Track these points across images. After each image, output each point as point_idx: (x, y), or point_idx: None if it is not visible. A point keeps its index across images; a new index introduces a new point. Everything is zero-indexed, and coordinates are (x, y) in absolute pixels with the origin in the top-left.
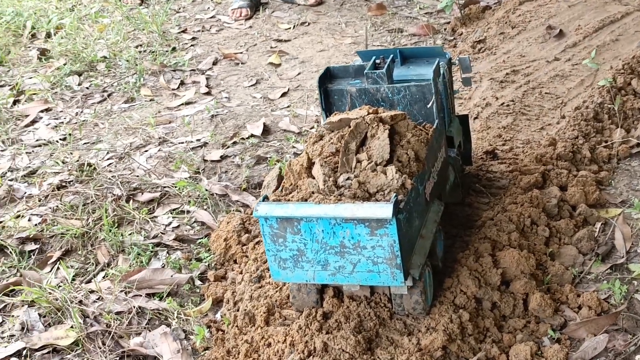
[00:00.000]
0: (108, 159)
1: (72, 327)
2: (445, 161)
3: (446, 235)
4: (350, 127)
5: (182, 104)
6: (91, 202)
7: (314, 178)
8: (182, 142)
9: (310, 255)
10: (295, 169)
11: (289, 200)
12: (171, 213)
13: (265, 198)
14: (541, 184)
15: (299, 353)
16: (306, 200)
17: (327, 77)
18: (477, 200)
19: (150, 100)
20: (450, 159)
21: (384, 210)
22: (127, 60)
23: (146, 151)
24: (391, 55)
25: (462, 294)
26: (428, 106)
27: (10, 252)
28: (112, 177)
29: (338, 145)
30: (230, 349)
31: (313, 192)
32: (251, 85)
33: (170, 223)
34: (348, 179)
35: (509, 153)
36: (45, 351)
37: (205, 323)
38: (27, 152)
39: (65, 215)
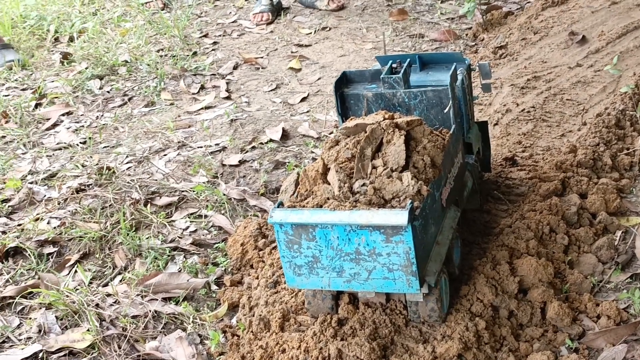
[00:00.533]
0: (127, 163)
1: (88, 330)
2: (463, 167)
3: (463, 242)
4: (366, 132)
5: (202, 108)
6: (109, 205)
7: (329, 184)
8: (201, 147)
9: (325, 262)
10: (310, 174)
11: (304, 206)
12: (189, 217)
13: (280, 204)
14: (561, 192)
15: (313, 359)
16: (321, 206)
17: (344, 82)
18: (495, 207)
19: (171, 104)
20: (469, 166)
21: (399, 217)
22: (148, 64)
23: (165, 155)
24: (408, 60)
25: (479, 301)
26: (445, 111)
27: (29, 254)
28: (130, 180)
29: (354, 151)
30: (245, 354)
31: (328, 198)
32: (271, 90)
33: (187, 227)
34: (363, 185)
35: (529, 160)
36: (61, 354)
37: (221, 328)
38: (47, 155)
39: (84, 218)
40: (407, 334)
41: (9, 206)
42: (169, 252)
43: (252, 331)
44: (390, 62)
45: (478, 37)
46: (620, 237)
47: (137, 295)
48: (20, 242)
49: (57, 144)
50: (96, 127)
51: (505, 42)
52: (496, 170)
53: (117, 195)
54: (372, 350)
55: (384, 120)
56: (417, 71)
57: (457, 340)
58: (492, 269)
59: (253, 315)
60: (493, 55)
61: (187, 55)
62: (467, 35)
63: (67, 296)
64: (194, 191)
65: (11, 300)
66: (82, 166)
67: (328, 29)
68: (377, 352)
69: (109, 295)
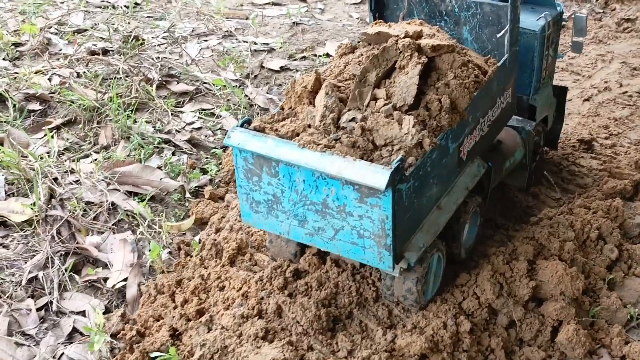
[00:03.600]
0: (162, 38)
1: (33, 204)
2: (509, 111)
3: (489, 224)
4: (379, 49)
5: (269, 3)
6: (117, 77)
7: (315, 106)
8: (247, 42)
9: (286, 205)
10: (297, 90)
11: (276, 129)
12: (199, 112)
13: (247, 122)
14: (630, 195)
15: (248, 309)
16: (295, 136)
17: None
18: (545, 192)
19: None
20: (523, 132)
21: (378, 176)
22: None
23: (205, 41)
24: None
25: (474, 298)
26: (499, 35)
27: (10, 105)
28: (155, 57)
29: (358, 70)
30: (182, 279)
31: (307, 127)
32: (354, 4)
33: (192, 122)
34: (353, 119)
35: (609, 150)
36: None
37: (177, 242)
38: (85, 10)
39: (85, 83)
40: (372, 311)
41: (17, 50)
42: (158, 143)
43: (201, 256)
44: None
45: (609, 5)
46: None
47: (102, 180)
48: (5, 91)
49: (102, 1)
50: None
51: (635, 16)
52: (564, 150)
53: (133, 68)
54: (316, 317)
55: (404, 38)
56: None
57: (427, 337)
58: (506, 263)
59: (215, 239)
60: (616, 27)
61: None
62: (597, 0)
63: (26, 160)
64: (214, 85)
65: None
66: (115, 30)
67: None
68: (323, 322)
69: (72, 171)
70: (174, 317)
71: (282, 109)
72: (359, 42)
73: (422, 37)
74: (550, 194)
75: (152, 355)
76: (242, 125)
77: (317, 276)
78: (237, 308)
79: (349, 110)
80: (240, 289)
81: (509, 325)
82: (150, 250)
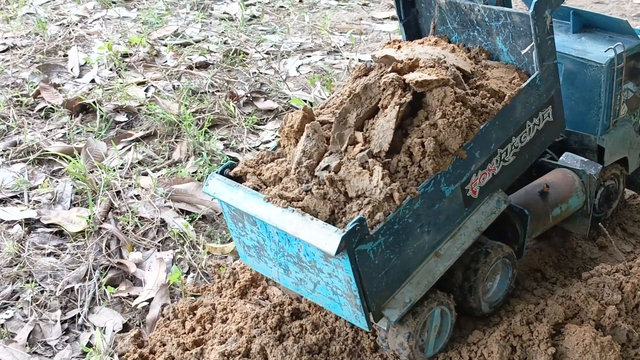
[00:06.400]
0: (266, 53)
1: (89, 217)
2: (548, 133)
3: (534, 275)
4: (361, 86)
5: (389, 18)
6: (203, 92)
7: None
8: (351, 59)
9: (270, 254)
10: (285, 129)
11: (260, 174)
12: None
13: (229, 167)
14: None
15: (237, 346)
16: (278, 181)
17: None
18: (617, 244)
19: (364, 5)
20: (584, 176)
21: (329, 241)
22: None
23: (309, 57)
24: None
25: None
26: (523, 52)
27: (98, 115)
28: (253, 72)
29: (341, 108)
30: (196, 305)
31: (284, 176)
32: None
33: (268, 142)
34: (327, 168)
35: None
36: (49, 230)
37: (214, 264)
38: (202, 22)
39: (174, 97)
40: None
41: (124, 61)
42: (226, 159)
43: (221, 284)
44: None
45: None
46: None
47: (161, 196)
48: (97, 102)
49: (223, 13)
50: (268, 3)
51: None
52: None
53: (225, 83)
54: None
55: (393, 70)
56: (569, 32)
57: None
58: (525, 324)
59: (234, 268)
60: None
61: None
62: None
63: (98, 171)
64: (294, 103)
65: (52, 158)
66: (225, 43)
67: None
68: None
69: (138, 185)
70: (173, 344)
71: (278, 145)
72: (372, 63)
73: (417, 67)
74: (622, 245)
75: None
76: (222, 171)
77: (315, 319)
78: (231, 343)
79: (330, 154)
80: (238, 323)
81: None
82: (194, 270)
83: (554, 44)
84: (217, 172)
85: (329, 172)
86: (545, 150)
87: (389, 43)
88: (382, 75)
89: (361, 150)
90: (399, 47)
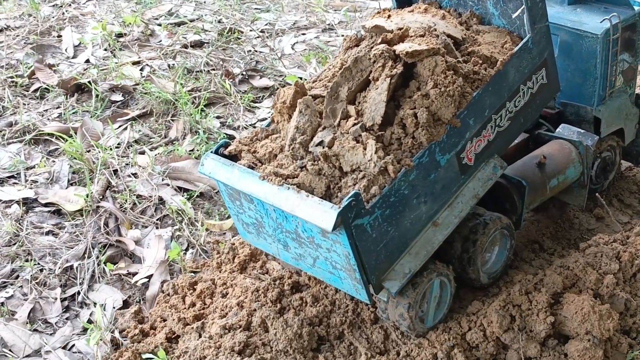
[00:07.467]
0: (261, 32)
1: (87, 195)
2: (543, 97)
3: (532, 247)
4: (352, 59)
5: None
6: (198, 71)
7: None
8: (344, 36)
9: (269, 230)
10: (278, 105)
11: (254, 151)
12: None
13: (224, 146)
14: None
15: (238, 320)
16: (273, 158)
17: None
18: (615, 214)
19: None
20: (581, 147)
21: (325, 217)
22: None
23: (303, 34)
24: None
25: (480, 329)
26: (514, 15)
27: (93, 95)
28: (248, 50)
29: (331, 82)
30: (196, 281)
31: (279, 152)
32: None
33: (265, 119)
34: (320, 143)
35: None
36: (47, 209)
37: (213, 241)
38: (196, 1)
39: (169, 76)
40: (366, 334)
41: (118, 41)
42: (223, 137)
43: (220, 259)
44: None
45: None
46: None
47: (159, 173)
48: (92, 82)
49: None
50: None
51: None
52: None
53: (219, 61)
54: (296, 336)
55: (379, 44)
56: (564, 3)
57: None
58: (524, 294)
59: (233, 243)
60: None
61: None
62: None
63: (94, 150)
64: (289, 82)
65: (48, 138)
66: (219, 22)
67: None
68: (304, 342)
69: (135, 164)
70: (174, 320)
71: (271, 121)
72: (363, 32)
73: (407, 37)
74: (619, 216)
75: (144, 356)
76: (217, 150)
77: (315, 291)
78: (232, 317)
79: (324, 128)
80: (239, 297)
81: None
82: (194, 247)
83: (545, 5)
84: (211, 152)
85: (323, 147)
86: (540, 115)
87: (378, 12)
88: (372, 47)
89: (354, 124)
90: (389, 17)
